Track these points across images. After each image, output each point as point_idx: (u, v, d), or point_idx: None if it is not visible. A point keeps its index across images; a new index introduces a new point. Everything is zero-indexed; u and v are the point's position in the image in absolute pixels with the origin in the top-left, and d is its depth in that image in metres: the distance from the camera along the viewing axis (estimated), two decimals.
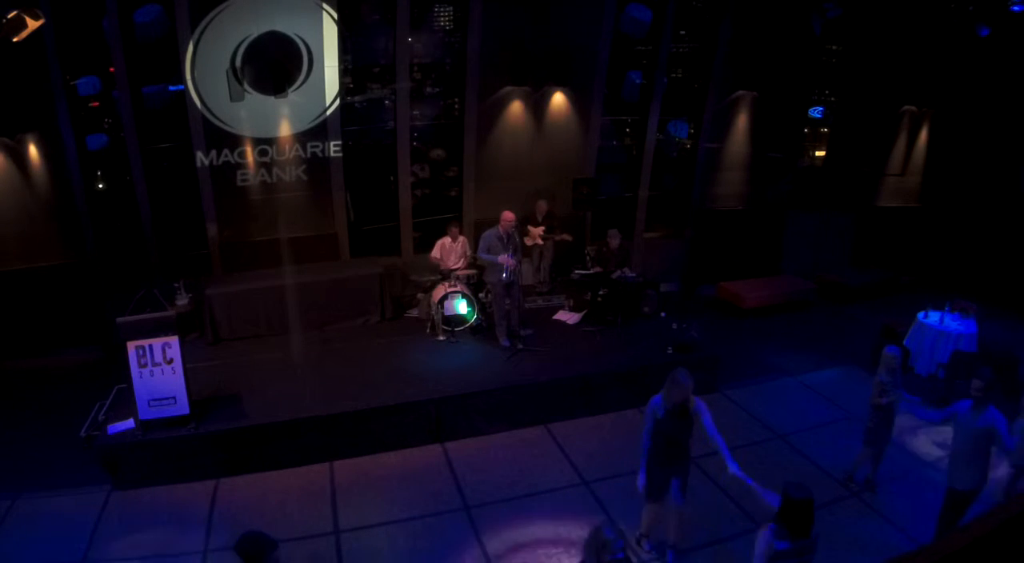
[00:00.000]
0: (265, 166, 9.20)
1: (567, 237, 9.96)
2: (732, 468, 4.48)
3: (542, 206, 9.87)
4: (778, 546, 3.64)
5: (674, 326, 8.44)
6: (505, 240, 7.81)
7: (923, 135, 12.35)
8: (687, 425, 4.83)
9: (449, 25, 9.89)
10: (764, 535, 3.69)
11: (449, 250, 8.91)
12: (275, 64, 8.76)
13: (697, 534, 5.59)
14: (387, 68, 9.53)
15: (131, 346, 6.10)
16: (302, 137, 9.23)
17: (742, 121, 11.32)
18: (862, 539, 5.61)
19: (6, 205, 8.33)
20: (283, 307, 8.47)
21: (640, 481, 5.10)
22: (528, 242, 9.81)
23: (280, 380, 7.34)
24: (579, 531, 4.35)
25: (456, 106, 10.17)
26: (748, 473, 4.35)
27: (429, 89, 10.13)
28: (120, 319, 6.16)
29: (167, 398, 6.24)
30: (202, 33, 8.48)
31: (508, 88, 10.08)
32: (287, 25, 8.78)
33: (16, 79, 7.92)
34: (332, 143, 9.36)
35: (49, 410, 7.42)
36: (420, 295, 9.23)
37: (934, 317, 8.55)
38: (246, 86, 8.78)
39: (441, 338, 8.37)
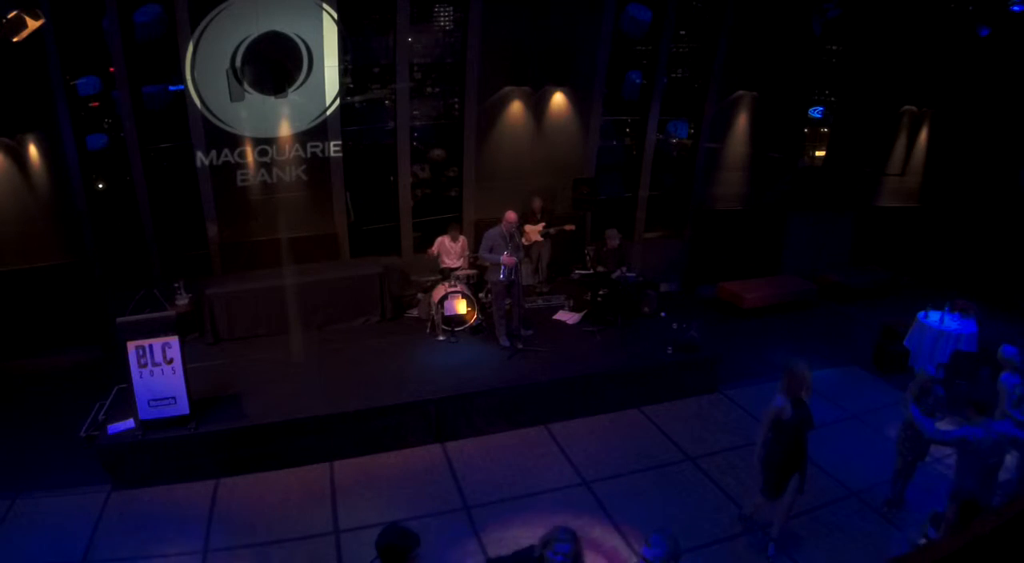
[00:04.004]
0: (265, 166, 9.19)
1: (570, 226, 9.90)
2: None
3: (537, 203, 9.86)
4: None
5: (674, 326, 8.43)
6: (508, 239, 7.83)
7: (923, 135, 12.32)
8: (808, 416, 5.04)
9: (449, 25, 9.88)
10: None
11: (448, 249, 8.93)
12: (275, 64, 8.75)
13: (700, 533, 5.61)
14: (387, 68, 9.53)
15: (131, 346, 6.11)
16: (302, 137, 9.21)
17: (742, 121, 11.30)
18: (862, 541, 5.62)
19: (6, 205, 8.32)
20: (283, 307, 8.46)
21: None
22: (526, 242, 9.80)
23: (280, 380, 7.34)
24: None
25: (456, 106, 10.15)
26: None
27: (429, 89, 10.12)
28: (120, 319, 6.16)
29: (167, 398, 6.25)
30: (202, 33, 8.48)
31: (508, 88, 10.07)
32: (287, 25, 8.77)
33: (16, 79, 7.90)
34: (332, 143, 9.34)
35: (49, 410, 7.42)
36: (420, 295, 9.23)
37: (934, 317, 8.54)
38: (246, 86, 8.77)
39: (441, 338, 8.37)
